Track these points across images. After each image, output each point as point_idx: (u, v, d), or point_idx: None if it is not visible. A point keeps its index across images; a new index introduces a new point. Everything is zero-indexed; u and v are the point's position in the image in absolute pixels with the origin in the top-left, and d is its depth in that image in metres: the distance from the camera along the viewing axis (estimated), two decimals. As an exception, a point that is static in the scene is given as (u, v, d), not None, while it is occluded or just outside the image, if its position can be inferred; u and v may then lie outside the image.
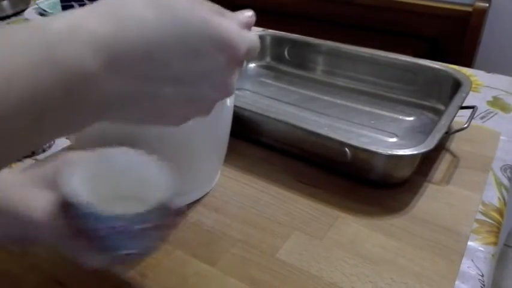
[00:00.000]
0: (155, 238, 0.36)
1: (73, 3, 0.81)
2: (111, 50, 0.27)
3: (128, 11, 0.28)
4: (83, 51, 0.26)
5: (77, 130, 0.30)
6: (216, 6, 0.32)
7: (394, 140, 0.66)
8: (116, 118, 0.31)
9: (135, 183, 0.38)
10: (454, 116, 0.58)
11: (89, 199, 0.32)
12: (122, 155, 0.39)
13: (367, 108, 0.73)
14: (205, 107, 0.34)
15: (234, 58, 0.31)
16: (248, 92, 0.80)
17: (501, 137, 0.66)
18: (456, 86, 0.66)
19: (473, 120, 0.61)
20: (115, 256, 0.34)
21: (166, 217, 0.35)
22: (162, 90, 0.30)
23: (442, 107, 0.69)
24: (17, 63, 0.25)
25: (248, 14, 0.35)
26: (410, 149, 0.52)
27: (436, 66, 0.72)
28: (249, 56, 0.33)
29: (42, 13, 1.13)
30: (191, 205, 0.54)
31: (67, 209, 0.34)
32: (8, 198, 0.36)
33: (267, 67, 0.86)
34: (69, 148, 0.62)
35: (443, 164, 0.61)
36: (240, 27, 0.33)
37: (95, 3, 0.28)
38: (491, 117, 0.71)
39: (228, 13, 0.33)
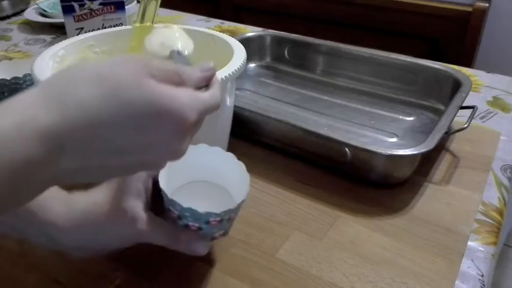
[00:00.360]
0: (234, 220, 0.43)
1: (73, 3, 0.81)
2: (57, 137, 0.28)
3: (73, 96, 0.28)
4: (31, 145, 0.27)
5: (29, 200, 0.31)
6: (169, 70, 0.32)
7: (394, 140, 0.66)
8: (69, 183, 0.33)
9: (208, 172, 0.45)
10: (454, 116, 0.58)
11: (184, 202, 0.38)
12: (200, 150, 0.45)
13: (367, 108, 0.73)
14: (155, 168, 0.36)
15: (182, 128, 0.31)
16: (248, 92, 0.80)
17: (501, 137, 0.66)
18: (456, 86, 0.66)
19: (473, 120, 0.61)
20: (208, 240, 0.41)
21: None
22: (109, 162, 0.30)
23: (442, 107, 0.69)
24: None
25: (206, 68, 0.35)
26: (410, 149, 0.52)
27: (436, 66, 0.72)
28: (205, 116, 0.33)
29: (42, 13, 1.13)
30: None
31: (166, 211, 0.40)
32: (102, 215, 0.39)
33: (267, 67, 0.86)
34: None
35: (443, 164, 0.61)
36: (194, 88, 0.33)
37: (42, 86, 0.29)
38: (491, 117, 0.71)
39: (182, 74, 0.32)
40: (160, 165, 0.34)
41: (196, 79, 0.34)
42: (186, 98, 0.30)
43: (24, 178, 0.27)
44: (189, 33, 0.59)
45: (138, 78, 0.29)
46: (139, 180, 0.41)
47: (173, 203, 0.39)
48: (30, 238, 0.41)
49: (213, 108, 0.34)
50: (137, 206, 0.39)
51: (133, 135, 0.29)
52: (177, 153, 0.33)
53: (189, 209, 0.38)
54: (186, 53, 0.50)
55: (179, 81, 0.32)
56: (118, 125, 0.29)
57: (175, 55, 0.48)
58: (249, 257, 0.47)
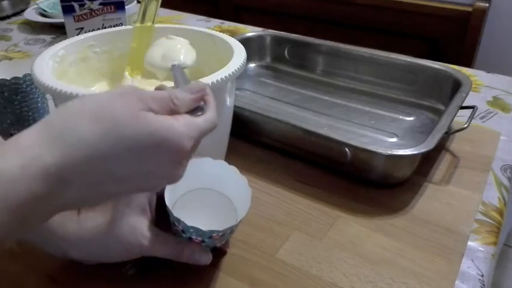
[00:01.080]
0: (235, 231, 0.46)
1: (73, 3, 0.81)
2: (60, 175, 0.29)
3: (73, 134, 0.29)
4: (36, 185, 0.28)
5: (37, 228, 0.32)
6: (163, 98, 0.32)
7: (394, 140, 0.66)
8: (71, 210, 0.36)
9: (211, 181, 0.46)
10: (454, 116, 0.58)
11: (188, 220, 0.40)
12: (205, 162, 0.46)
13: (367, 108, 0.73)
14: (153, 190, 0.38)
15: (180, 157, 0.32)
16: (248, 92, 0.80)
17: (501, 137, 0.66)
18: (456, 86, 0.66)
19: (473, 120, 0.61)
20: (210, 248, 0.43)
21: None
22: (110, 189, 0.32)
23: (442, 107, 0.69)
24: None
25: (196, 89, 0.35)
26: (410, 149, 0.52)
27: (436, 66, 0.72)
28: (202, 138, 0.34)
29: (42, 13, 1.13)
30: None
31: (171, 224, 0.42)
32: (113, 231, 0.41)
33: (267, 67, 0.86)
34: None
35: (443, 164, 0.61)
36: (189, 112, 0.34)
37: (42, 124, 0.30)
38: (491, 117, 0.71)
39: (175, 99, 0.33)
40: (158, 189, 0.36)
41: (189, 101, 0.35)
42: (182, 128, 0.32)
43: (31, 212, 0.29)
44: (189, 33, 0.59)
45: (135, 114, 0.30)
46: (143, 195, 0.42)
47: (178, 220, 0.40)
48: (45, 249, 0.43)
49: (209, 131, 0.35)
50: (142, 223, 0.41)
51: (132, 166, 0.31)
52: (174, 178, 0.34)
53: (193, 227, 0.40)
54: (188, 63, 0.50)
55: (173, 108, 0.33)
56: (117, 159, 0.30)
57: (175, 69, 0.48)
58: (249, 257, 0.47)
